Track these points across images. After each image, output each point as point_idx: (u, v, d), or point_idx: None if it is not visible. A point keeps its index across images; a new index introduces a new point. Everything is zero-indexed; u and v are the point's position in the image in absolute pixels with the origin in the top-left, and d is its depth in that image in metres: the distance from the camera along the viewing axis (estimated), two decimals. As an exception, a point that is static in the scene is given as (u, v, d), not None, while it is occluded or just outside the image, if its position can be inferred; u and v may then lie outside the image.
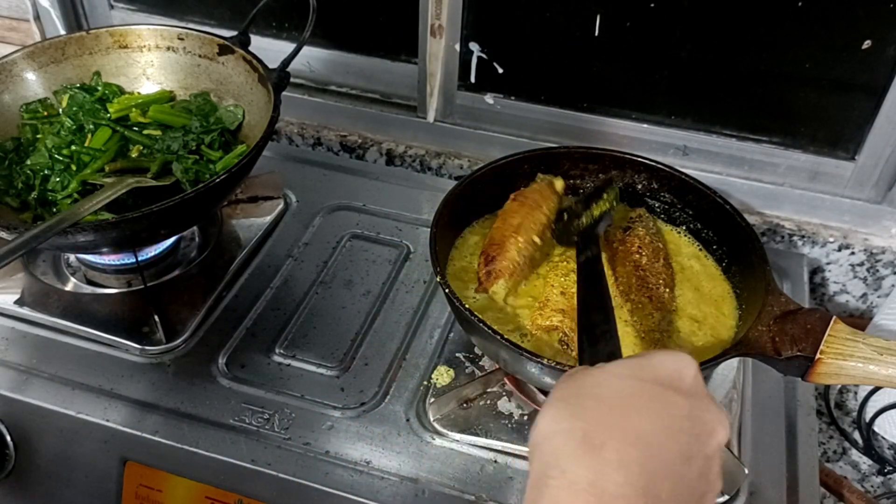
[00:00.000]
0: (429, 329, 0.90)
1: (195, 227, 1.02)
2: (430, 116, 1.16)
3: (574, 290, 0.79)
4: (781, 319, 0.70)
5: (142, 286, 0.91)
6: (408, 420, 0.81)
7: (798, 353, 0.66)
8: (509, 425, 0.80)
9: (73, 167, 0.91)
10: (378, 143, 1.19)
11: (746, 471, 0.74)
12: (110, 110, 0.97)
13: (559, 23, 1.04)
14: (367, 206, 1.07)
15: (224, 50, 0.99)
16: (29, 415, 0.82)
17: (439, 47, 1.09)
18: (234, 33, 1.00)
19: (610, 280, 0.84)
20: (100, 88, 0.99)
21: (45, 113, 0.97)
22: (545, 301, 0.79)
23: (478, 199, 0.89)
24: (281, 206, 1.05)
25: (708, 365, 0.69)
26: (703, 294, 0.84)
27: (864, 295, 1.09)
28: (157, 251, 0.95)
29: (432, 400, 0.82)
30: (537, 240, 0.83)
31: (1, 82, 0.95)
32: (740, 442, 0.80)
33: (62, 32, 1.26)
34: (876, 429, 0.95)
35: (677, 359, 0.48)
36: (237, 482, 0.77)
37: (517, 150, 0.91)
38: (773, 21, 0.96)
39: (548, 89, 1.11)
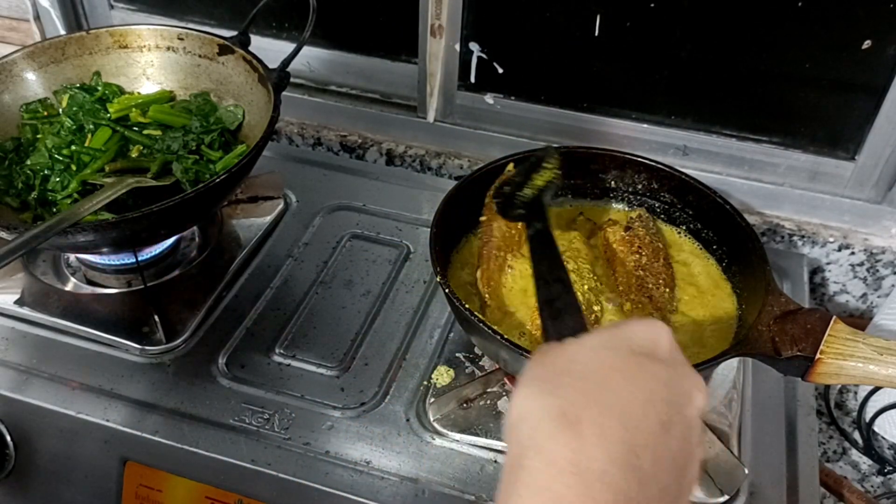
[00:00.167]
0: (429, 329, 0.90)
1: (195, 227, 1.01)
2: (430, 116, 1.16)
3: (575, 287, 0.79)
4: (781, 319, 0.70)
5: (142, 286, 0.91)
6: (408, 420, 0.81)
7: (798, 353, 0.66)
8: (509, 425, 0.80)
9: (73, 167, 0.91)
10: (378, 143, 1.19)
11: (746, 471, 0.74)
12: (110, 110, 0.97)
13: (559, 23, 1.04)
14: (367, 206, 1.07)
15: (224, 50, 0.99)
16: (29, 415, 0.82)
17: (439, 47, 1.09)
18: (234, 33, 1.00)
19: (610, 280, 0.84)
20: (100, 88, 0.99)
21: (45, 113, 0.97)
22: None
23: (478, 199, 0.89)
24: (281, 206, 1.05)
25: (708, 365, 0.69)
26: (703, 294, 0.84)
27: (864, 295, 1.09)
28: (157, 251, 0.95)
29: (432, 400, 0.82)
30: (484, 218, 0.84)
31: (1, 82, 0.95)
32: (740, 442, 0.80)
33: (62, 32, 1.26)
34: (876, 429, 0.95)
35: (651, 326, 0.47)
36: (237, 482, 0.77)
37: (517, 150, 0.91)
38: (773, 21, 0.96)
39: (548, 89, 1.11)
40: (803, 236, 1.05)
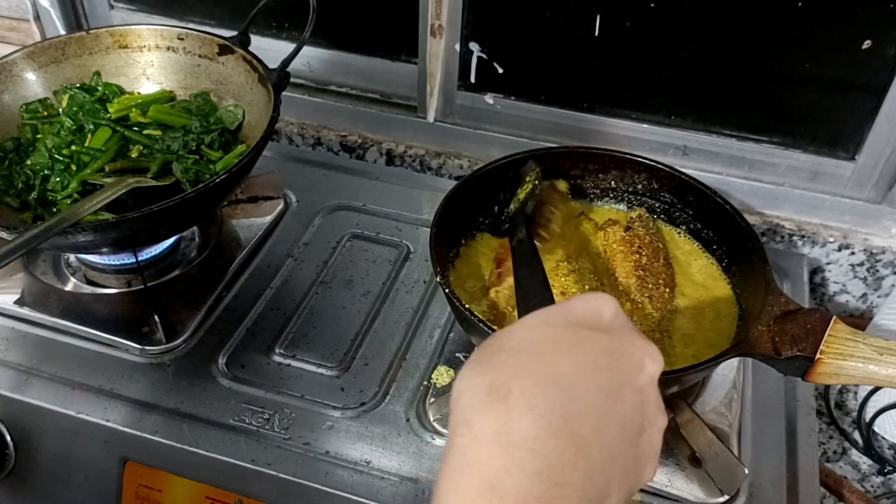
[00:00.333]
0: (429, 329, 0.90)
1: (195, 227, 1.02)
2: (430, 116, 1.16)
3: (574, 290, 0.79)
4: (781, 319, 0.70)
5: (142, 286, 0.91)
6: (408, 420, 0.81)
7: (798, 353, 0.66)
8: (509, 425, 0.80)
9: (73, 167, 0.91)
10: (378, 143, 1.19)
11: (746, 471, 0.74)
12: (110, 110, 0.97)
13: (559, 23, 1.04)
14: (367, 206, 1.07)
15: (224, 50, 0.99)
16: (29, 415, 0.82)
17: (439, 47, 1.09)
18: (234, 33, 1.00)
19: (610, 280, 0.84)
20: (100, 88, 0.99)
21: (45, 113, 0.97)
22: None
23: (478, 199, 0.89)
24: (281, 206, 1.05)
25: (708, 365, 0.69)
26: (703, 294, 0.84)
27: (864, 295, 1.09)
28: (157, 251, 0.95)
29: (432, 400, 0.82)
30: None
31: (1, 82, 0.95)
32: (740, 442, 0.80)
33: (62, 32, 1.26)
34: (876, 429, 0.95)
35: (593, 298, 0.47)
36: (237, 482, 0.77)
37: (517, 150, 0.91)
38: (773, 21, 0.96)
39: (548, 89, 1.11)
40: (803, 236, 1.05)
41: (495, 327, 0.71)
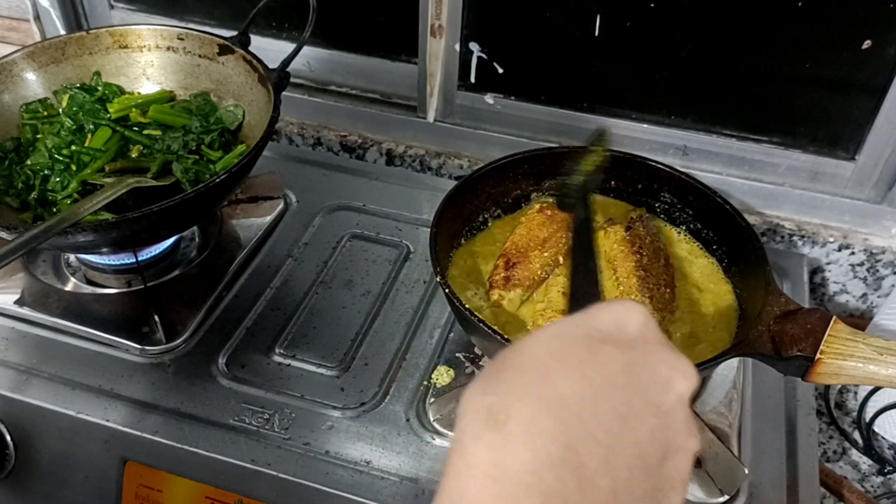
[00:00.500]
0: (429, 329, 0.90)
1: (195, 227, 1.01)
2: (430, 116, 1.16)
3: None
4: (781, 319, 0.70)
5: (142, 286, 0.91)
6: (408, 420, 0.81)
7: (798, 353, 0.66)
8: (509, 425, 0.80)
9: (73, 167, 0.91)
10: (378, 143, 1.19)
11: (746, 471, 0.74)
12: (110, 110, 0.97)
13: (559, 23, 1.04)
14: (367, 206, 1.07)
15: (224, 50, 0.99)
16: (29, 415, 0.82)
17: (439, 47, 1.09)
18: (234, 33, 1.00)
19: (611, 279, 0.84)
20: (100, 88, 0.99)
21: (45, 113, 0.97)
22: (547, 301, 0.79)
23: (478, 199, 0.89)
24: (281, 206, 1.05)
25: (708, 365, 0.69)
26: (704, 294, 0.84)
27: (864, 295, 1.09)
28: (157, 251, 0.95)
29: (432, 400, 0.82)
30: (561, 260, 0.83)
31: (1, 82, 0.95)
32: (740, 442, 0.80)
33: (62, 32, 1.26)
34: (876, 429, 0.95)
35: (616, 308, 0.42)
36: (237, 482, 0.77)
37: (517, 150, 0.91)
38: (773, 21, 0.96)
39: (548, 89, 1.11)
40: (803, 236, 1.05)
41: (495, 328, 0.71)
